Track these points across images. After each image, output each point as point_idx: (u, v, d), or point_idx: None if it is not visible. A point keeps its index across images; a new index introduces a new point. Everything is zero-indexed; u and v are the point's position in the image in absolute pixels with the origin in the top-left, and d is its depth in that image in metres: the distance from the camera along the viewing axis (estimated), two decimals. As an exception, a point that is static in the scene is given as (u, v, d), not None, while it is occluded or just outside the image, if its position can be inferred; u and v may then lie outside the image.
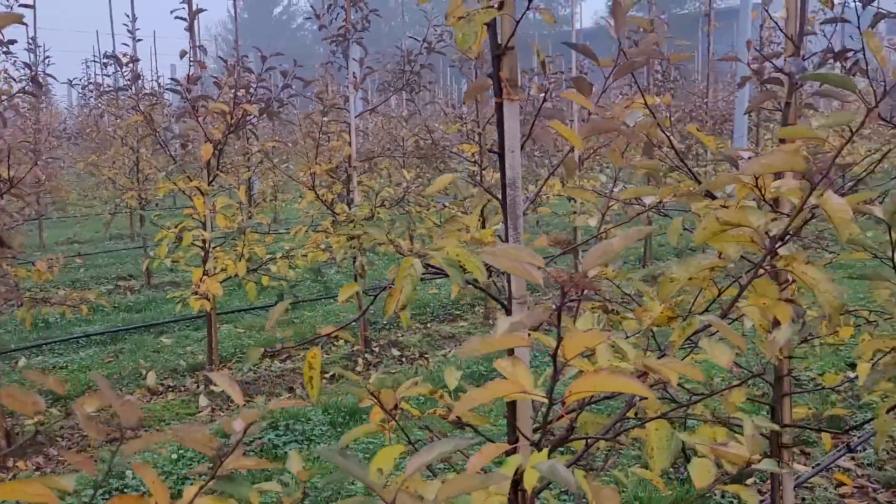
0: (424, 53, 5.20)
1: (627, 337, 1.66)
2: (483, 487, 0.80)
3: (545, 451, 1.15)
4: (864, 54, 2.74)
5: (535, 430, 1.42)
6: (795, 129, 1.28)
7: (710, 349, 1.12)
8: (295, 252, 4.62)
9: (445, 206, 3.46)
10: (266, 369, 5.16)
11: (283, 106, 4.49)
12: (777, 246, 1.43)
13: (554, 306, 0.91)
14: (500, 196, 1.39)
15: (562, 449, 3.15)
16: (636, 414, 1.47)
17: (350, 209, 4.97)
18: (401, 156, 5.55)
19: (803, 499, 3.19)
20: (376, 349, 5.38)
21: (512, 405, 1.41)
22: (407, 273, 1.26)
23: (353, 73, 5.10)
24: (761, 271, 1.40)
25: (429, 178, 6.02)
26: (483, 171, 5.90)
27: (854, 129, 1.21)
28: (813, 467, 3.34)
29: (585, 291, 1.34)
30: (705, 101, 7.79)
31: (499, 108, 1.35)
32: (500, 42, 1.32)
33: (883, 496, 3.22)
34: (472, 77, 5.74)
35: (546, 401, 0.94)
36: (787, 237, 1.46)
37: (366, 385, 1.39)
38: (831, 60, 2.79)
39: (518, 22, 1.26)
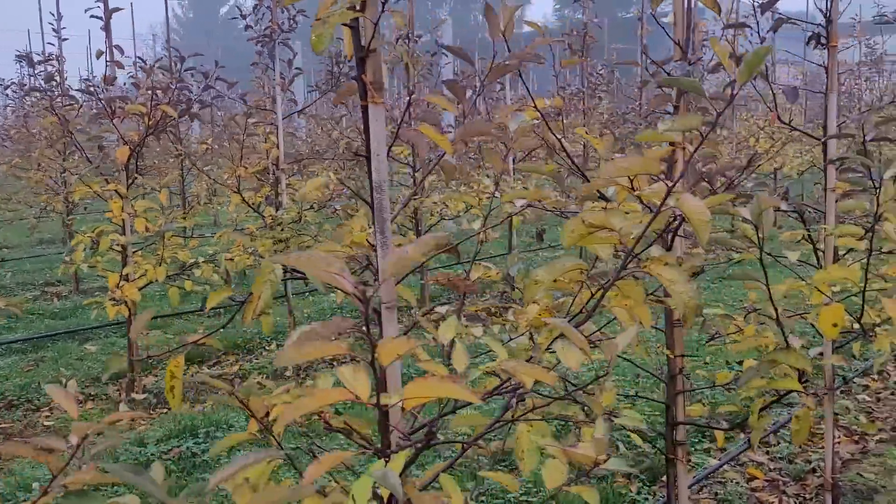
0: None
1: (511, 339, 1.67)
2: (294, 499, 0.79)
3: (402, 454, 1.14)
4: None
5: (408, 435, 1.41)
6: (647, 133, 1.30)
7: (563, 352, 1.13)
8: (220, 256, 4.54)
9: (336, 210, 3.45)
10: (192, 376, 5.06)
11: (206, 107, 4.41)
12: (647, 248, 1.45)
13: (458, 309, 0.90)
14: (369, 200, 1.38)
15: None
16: (513, 415, 1.47)
17: (277, 212, 4.91)
18: (331, 158, 5.51)
19: (716, 493, 3.25)
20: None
21: (383, 411, 1.41)
22: (266, 279, 1.24)
23: (281, 74, 5.04)
24: (634, 272, 1.42)
25: (362, 180, 5.99)
26: (416, 173, 5.89)
27: (705, 134, 1.23)
28: (719, 461, 3.41)
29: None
30: (638, 102, 7.93)
31: (364, 111, 1.34)
32: (363, 44, 1.31)
33: (792, 489, 3.31)
34: (403, 78, 5.73)
35: (376, 407, 0.93)
36: (669, 235, 1.48)
37: (233, 392, 1.37)
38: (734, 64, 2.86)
39: (376, 24, 1.25)
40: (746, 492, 3.26)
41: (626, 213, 1.52)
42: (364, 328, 0.85)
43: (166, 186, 5.19)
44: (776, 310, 1.56)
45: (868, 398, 4.44)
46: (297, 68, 5.25)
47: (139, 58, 4.12)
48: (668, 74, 2.05)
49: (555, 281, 1.33)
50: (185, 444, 3.72)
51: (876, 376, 4.80)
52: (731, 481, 3.34)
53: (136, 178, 4.13)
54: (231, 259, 4.70)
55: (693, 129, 1.25)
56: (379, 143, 1.33)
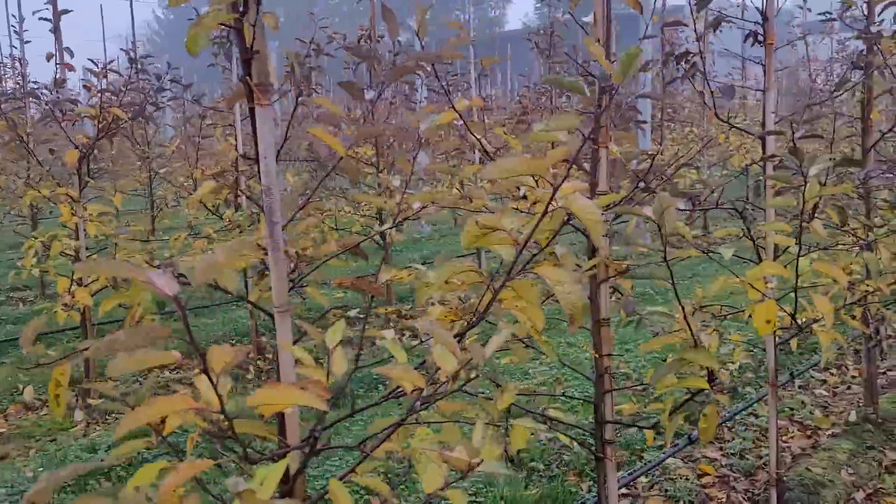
0: (312, 55, 5.14)
1: (422, 342, 1.66)
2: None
3: (281, 463, 1.13)
4: (701, 57, 2.83)
5: (303, 440, 1.40)
6: (535, 133, 1.29)
7: (438, 355, 1.12)
8: (176, 259, 4.49)
9: (253, 211, 3.43)
10: (155, 379, 5.02)
11: (159, 109, 4.37)
12: (545, 247, 1.45)
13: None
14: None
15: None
16: (417, 419, 1.46)
17: (237, 213, 4.88)
18: (290, 160, 5.49)
19: (666, 490, 3.26)
20: (269, 356, 5.30)
21: (281, 417, 1.39)
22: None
23: (238, 75, 5.00)
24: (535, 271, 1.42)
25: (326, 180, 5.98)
26: (381, 174, 5.88)
27: (588, 133, 1.22)
28: (670, 456, 3.42)
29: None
30: (626, 106, 7.94)
31: (252, 113, 1.33)
32: (247, 46, 1.29)
33: (741, 484, 3.32)
34: (364, 79, 5.71)
35: (221, 416, 0.92)
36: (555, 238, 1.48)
37: (123, 399, 1.35)
38: (673, 62, 2.87)
39: (254, 25, 1.23)
40: (696, 488, 3.27)
41: (534, 213, 1.52)
42: (189, 336, 0.84)
43: (122, 190, 5.14)
44: (682, 308, 1.56)
45: (825, 392, 4.47)
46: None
47: (90, 59, 4.08)
48: (589, 74, 2.05)
49: (447, 282, 1.32)
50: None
51: (834, 370, 4.83)
52: (682, 477, 3.35)
53: (88, 181, 4.09)
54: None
55: (573, 128, 1.24)
56: (267, 146, 1.31)
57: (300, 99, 1.54)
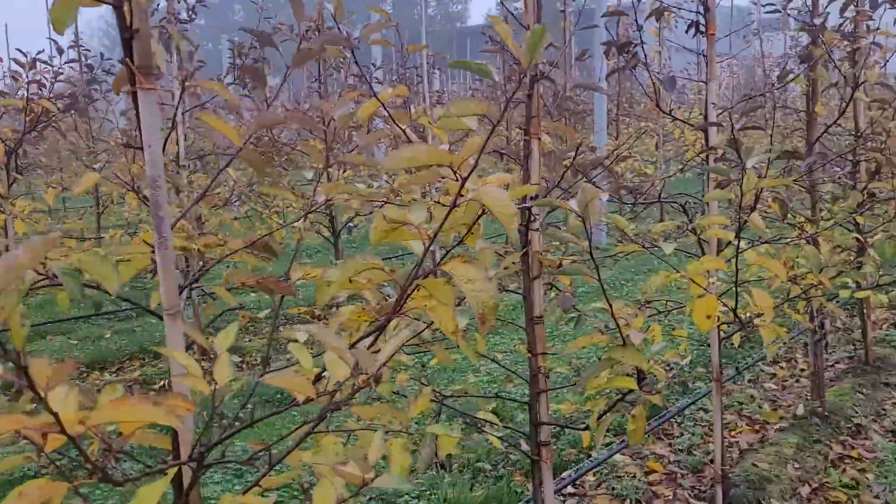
0: (257, 47, 4.99)
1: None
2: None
3: (160, 482, 1.03)
4: (643, 47, 2.77)
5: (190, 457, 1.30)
6: (447, 120, 1.20)
7: (329, 362, 1.03)
8: (110, 257, 4.32)
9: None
10: (92, 382, 4.84)
11: (94, 101, 4.20)
12: (458, 244, 1.36)
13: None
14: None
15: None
16: (327, 428, 1.37)
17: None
18: (234, 155, 5.34)
19: (613, 488, 3.21)
20: (213, 356, 5.14)
21: (175, 432, 1.29)
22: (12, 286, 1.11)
23: (183, 66, 4.84)
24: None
25: (275, 176, 5.82)
26: (329, 169, 5.75)
27: (497, 119, 1.14)
28: (622, 455, 3.37)
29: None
30: (562, 96, 7.91)
31: (135, 98, 1.22)
32: (128, 24, 1.18)
33: (689, 481, 3.29)
34: (315, 70, 5.57)
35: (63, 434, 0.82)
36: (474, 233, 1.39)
37: (19, 407, 1.23)
38: (615, 52, 2.80)
39: (130, 2, 1.12)
40: (643, 486, 3.23)
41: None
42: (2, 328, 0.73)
43: (65, 186, 4.95)
44: (610, 305, 1.49)
45: (774, 386, 4.48)
46: (199, 61, 5.04)
47: (18, 49, 3.89)
48: (516, 62, 1.96)
49: (350, 281, 1.23)
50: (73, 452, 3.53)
51: (784, 364, 4.84)
52: (629, 475, 3.30)
53: (16, 177, 3.90)
54: (128, 261, 4.49)
55: (478, 114, 1.16)
56: (151, 133, 1.21)
57: (185, 83, 1.43)
